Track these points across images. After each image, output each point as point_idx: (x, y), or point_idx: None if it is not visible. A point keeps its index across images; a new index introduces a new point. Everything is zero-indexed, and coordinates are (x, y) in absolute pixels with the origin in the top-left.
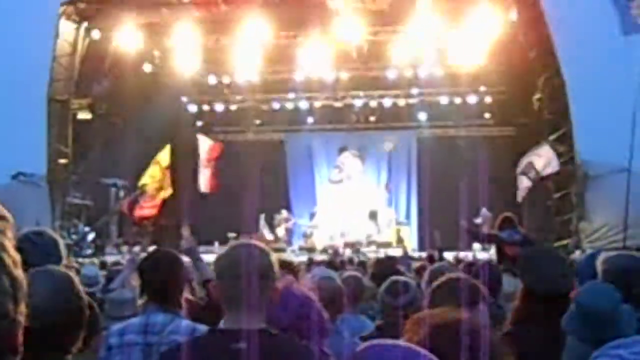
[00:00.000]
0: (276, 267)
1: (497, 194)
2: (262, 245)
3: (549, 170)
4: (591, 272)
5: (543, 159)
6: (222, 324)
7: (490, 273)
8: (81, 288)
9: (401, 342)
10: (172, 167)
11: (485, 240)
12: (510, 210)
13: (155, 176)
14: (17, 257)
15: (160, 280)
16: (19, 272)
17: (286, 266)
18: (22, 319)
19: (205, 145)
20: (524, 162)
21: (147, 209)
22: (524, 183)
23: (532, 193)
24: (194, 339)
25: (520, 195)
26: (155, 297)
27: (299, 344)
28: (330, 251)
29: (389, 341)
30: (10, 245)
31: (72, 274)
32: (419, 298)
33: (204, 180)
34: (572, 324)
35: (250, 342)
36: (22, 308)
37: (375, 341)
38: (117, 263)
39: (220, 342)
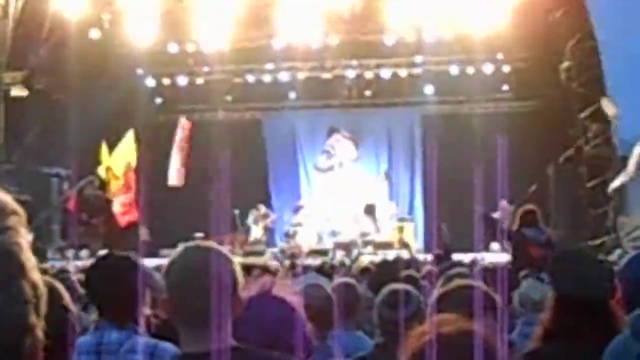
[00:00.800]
0: (240, 275)
1: (518, 183)
2: (219, 248)
3: None
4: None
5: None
6: (181, 347)
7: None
8: (69, 300)
9: None
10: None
11: (506, 237)
12: (536, 202)
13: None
14: (33, 258)
15: (113, 292)
16: (38, 277)
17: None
18: (41, 334)
19: (182, 129)
20: None
21: (129, 213)
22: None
23: (560, 182)
24: None
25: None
26: (108, 312)
27: (280, 357)
28: (289, 252)
29: None
30: (26, 244)
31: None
32: (423, 310)
33: (175, 171)
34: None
35: None
36: (41, 320)
37: None
38: (64, 271)
39: None
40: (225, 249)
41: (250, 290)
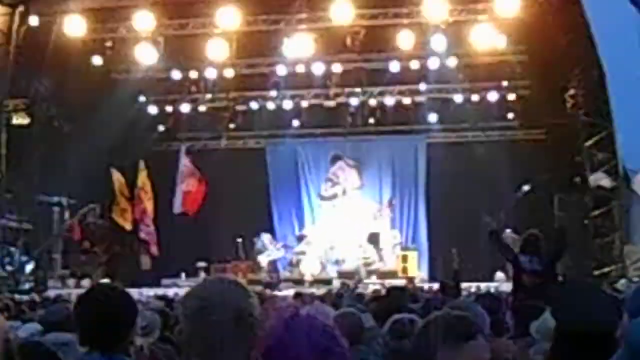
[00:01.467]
0: (258, 308)
1: (524, 212)
2: (239, 280)
3: None
4: None
5: None
6: None
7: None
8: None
9: None
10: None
11: (504, 254)
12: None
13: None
14: None
15: (102, 322)
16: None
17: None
18: None
19: (185, 157)
20: None
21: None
22: None
23: (567, 209)
24: None
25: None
26: (97, 342)
27: None
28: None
29: None
30: None
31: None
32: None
33: (184, 200)
34: None
35: None
36: None
37: None
38: (63, 300)
39: None
40: (242, 282)
41: (284, 309)
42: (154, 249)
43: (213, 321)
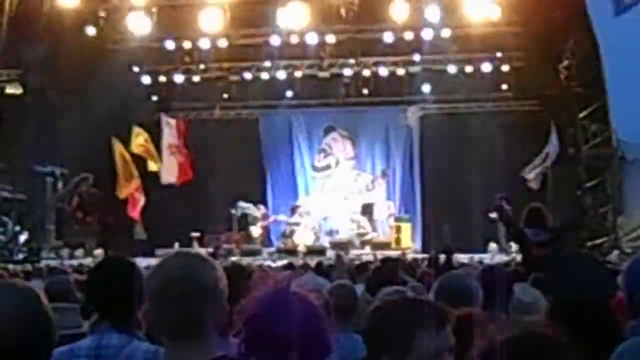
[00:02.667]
0: (224, 283)
1: (517, 182)
2: (203, 255)
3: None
4: None
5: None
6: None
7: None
8: (48, 305)
9: None
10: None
11: (508, 231)
12: (534, 202)
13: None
14: None
15: (114, 295)
16: None
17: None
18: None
19: (169, 126)
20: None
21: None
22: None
23: (559, 181)
24: None
25: (533, 185)
26: (108, 315)
27: None
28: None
29: None
30: None
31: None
32: None
33: (170, 170)
34: None
35: None
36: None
37: None
38: (59, 271)
39: None
40: (207, 256)
41: (272, 283)
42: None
43: (177, 298)
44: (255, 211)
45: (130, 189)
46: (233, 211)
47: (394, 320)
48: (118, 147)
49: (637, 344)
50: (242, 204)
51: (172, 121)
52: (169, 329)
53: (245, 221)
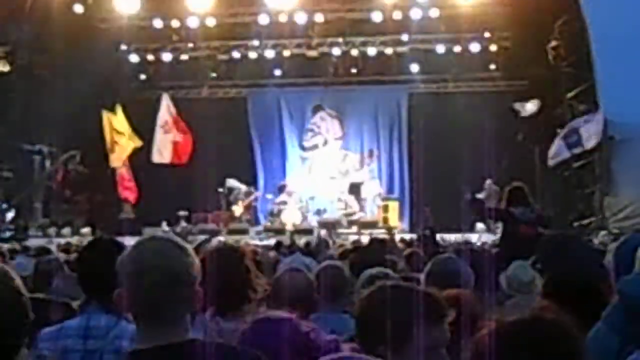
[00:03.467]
0: (197, 267)
1: (505, 163)
2: (176, 239)
3: (589, 145)
4: (629, 260)
5: (590, 127)
6: (137, 342)
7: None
8: (20, 283)
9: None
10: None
11: (493, 216)
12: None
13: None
14: None
15: (102, 276)
16: None
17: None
18: None
19: (166, 105)
20: (569, 126)
21: (128, 189)
22: (562, 152)
23: (546, 159)
24: None
25: (551, 161)
26: (97, 296)
27: (241, 350)
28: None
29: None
30: None
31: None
32: None
33: (163, 149)
34: (613, 317)
35: (189, 356)
36: None
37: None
38: (45, 250)
39: None
40: (179, 240)
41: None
42: (132, 198)
43: (148, 284)
44: (241, 189)
45: (121, 158)
46: (221, 189)
47: (392, 311)
48: (107, 117)
49: (596, 334)
50: (231, 181)
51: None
52: (142, 312)
53: (227, 200)
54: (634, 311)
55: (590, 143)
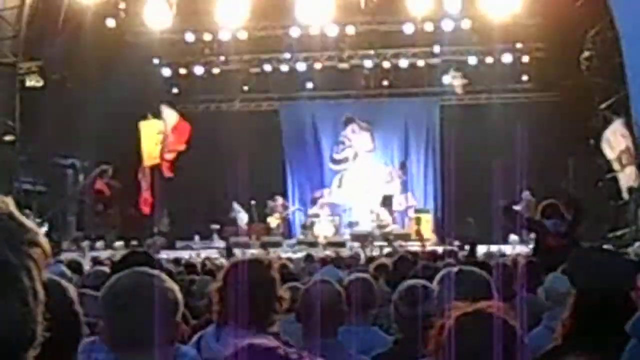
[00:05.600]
0: (175, 296)
1: (539, 174)
2: (153, 271)
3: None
4: None
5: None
6: None
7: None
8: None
9: None
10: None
11: (525, 225)
12: (555, 193)
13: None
14: (40, 290)
15: None
16: (38, 306)
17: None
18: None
19: (171, 119)
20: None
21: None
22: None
23: (579, 172)
24: None
25: (625, 187)
26: None
27: None
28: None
29: None
30: (35, 269)
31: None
32: (442, 306)
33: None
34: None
35: None
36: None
37: None
38: (75, 263)
39: None
40: (160, 274)
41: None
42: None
43: (130, 316)
44: (277, 202)
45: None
46: (253, 203)
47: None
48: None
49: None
50: (235, 206)
51: (175, 115)
52: (120, 340)
53: (264, 212)
54: None
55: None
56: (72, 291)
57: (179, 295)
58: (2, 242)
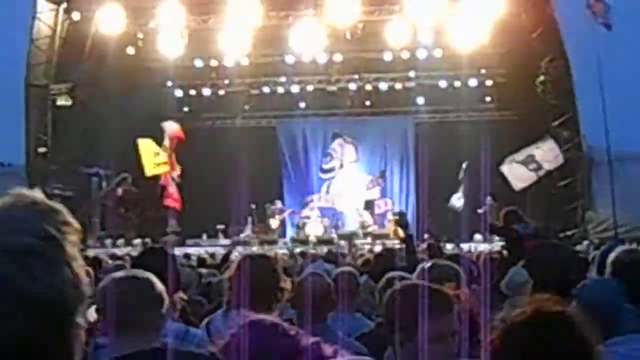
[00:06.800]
0: (164, 294)
1: (500, 182)
2: (146, 275)
3: (551, 166)
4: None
5: (544, 153)
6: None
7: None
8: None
9: None
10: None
11: (494, 232)
12: (514, 198)
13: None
14: (79, 258)
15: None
16: (81, 271)
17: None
18: (81, 326)
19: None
20: (523, 153)
21: (171, 198)
22: (524, 175)
23: (536, 181)
24: None
25: (518, 185)
26: None
27: (200, 355)
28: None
29: None
30: (74, 244)
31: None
32: None
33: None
34: None
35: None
36: (82, 315)
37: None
38: (97, 260)
39: None
40: (147, 275)
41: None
42: (177, 206)
43: (125, 303)
44: (277, 206)
45: (155, 171)
46: (253, 206)
47: (406, 304)
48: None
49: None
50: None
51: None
52: (114, 325)
53: (264, 215)
54: (588, 310)
55: (549, 165)
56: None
57: (164, 292)
58: (44, 221)
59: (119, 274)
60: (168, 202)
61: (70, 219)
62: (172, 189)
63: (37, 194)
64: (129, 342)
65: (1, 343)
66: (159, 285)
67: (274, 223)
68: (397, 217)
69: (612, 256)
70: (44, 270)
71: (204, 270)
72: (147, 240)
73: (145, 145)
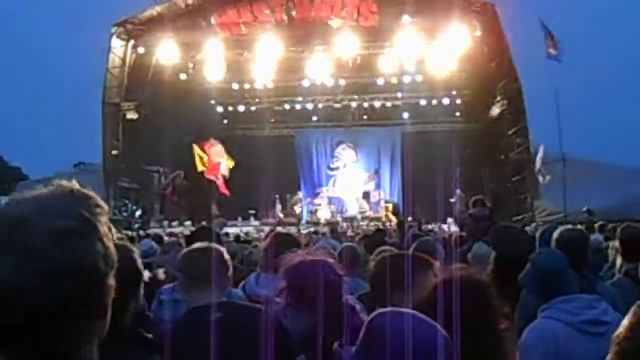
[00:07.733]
0: (229, 261)
1: (466, 178)
2: (216, 246)
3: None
4: (548, 242)
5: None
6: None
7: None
8: (138, 254)
9: (405, 310)
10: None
11: (459, 218)
12: (475, 191)
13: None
14: (110, 234)
15: None
16: (111, 244)
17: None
18: (111, 286)
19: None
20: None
21: (223, 187)
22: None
23: (495, 177)
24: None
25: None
26: None
27: (253, 307)
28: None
29: (396, 310)
30: (104, 223)
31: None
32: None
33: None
34: (527, 280)
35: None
36: (112, 278)
37: (384, 310)
38: (158, 236)
39: (205, 315)
40: (222, 247)
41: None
42: (225, 191)
43: (199, 269)
44: (299, 196)
45: (202, 168)
46: (277, 196)
47: (397, 267)
48: (195, 149)
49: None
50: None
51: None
52: (192, 284)
53: (290, 203)
54: (541, 274)
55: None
56: (136, 253)
57: (229, 260)
58: (80, 207)
59: (197, 245)
60: (222, 189)
61: (101, 203)
62: (219, 182)
63: (75, 184)
64: (203, 296)
65: (52, 303)
66: (227, 255)
67: (298, 209)
68: (391, 207)
69: (556, 233)
70: (80, 246)
71: (236, 245)
72: (195, 222)
73: (197, 150)
